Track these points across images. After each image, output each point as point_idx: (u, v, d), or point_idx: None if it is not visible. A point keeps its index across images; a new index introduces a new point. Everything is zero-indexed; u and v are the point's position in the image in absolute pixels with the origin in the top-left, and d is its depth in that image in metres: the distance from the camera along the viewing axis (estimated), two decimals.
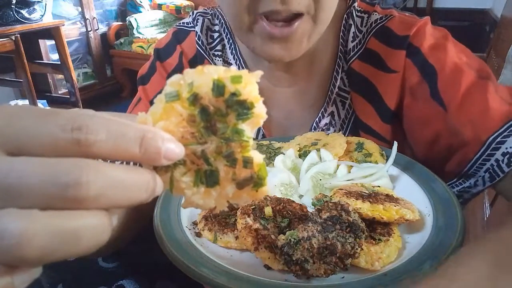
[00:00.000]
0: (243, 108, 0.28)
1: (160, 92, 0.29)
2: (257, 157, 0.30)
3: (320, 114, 0.78)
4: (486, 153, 0.62)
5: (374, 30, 0.74)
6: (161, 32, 4.04)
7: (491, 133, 0.61)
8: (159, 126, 0.28)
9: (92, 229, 0.24)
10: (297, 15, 0.58)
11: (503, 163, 0.61)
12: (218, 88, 0.28)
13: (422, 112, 0.70)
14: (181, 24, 0.85)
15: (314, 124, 0.78)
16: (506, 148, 0.60)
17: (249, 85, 0.28)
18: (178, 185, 0.29)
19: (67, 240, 0.23)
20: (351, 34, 0.75)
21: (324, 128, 0.79)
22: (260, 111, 0.29)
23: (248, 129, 0.29)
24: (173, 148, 0.27)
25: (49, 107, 0.33)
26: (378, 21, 0.74)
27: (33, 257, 0.22)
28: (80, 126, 0.24)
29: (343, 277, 0.44)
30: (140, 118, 0.28)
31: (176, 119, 0.29)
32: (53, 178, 0.23)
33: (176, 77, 0.29)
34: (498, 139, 0.61)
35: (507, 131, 0.61)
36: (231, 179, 0.30)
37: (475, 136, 0.63)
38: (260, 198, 0.31)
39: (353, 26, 0.75)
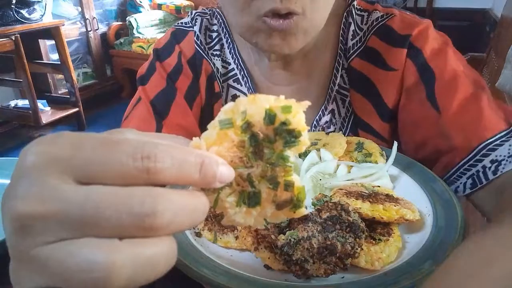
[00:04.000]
0: (291, 137, 0.30)
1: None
2: (298, 181, 0.32)
3: (320, 112, 0.78)
4: (474, 159, 0.63)
5: (375, 28, 0.74)
6: (161, 32, 4.04)
7: (482, 141, 0.62)
8: (213, 151, 0.30)
9: (166, 254, 0.25)
10: (293, 13, 0.59)
11: (489, 170, 0.61)
12: (270, 117, 0.30)
13: (415, 113, 0.70)
14: (180, 24, 0.85)
15: (315, 122, 0.78)
16: (496, 156, 0.61)
17: (298, 114, 0.30)
18: (222, 204, 0.31)
19: (148, 268, 0.24)
20: (350, 32, 0.75)
21: (324, 126, 0.79)
22: (305, 139, 0.31)
23: (292, 155, 0.31)
24: (226, 172, 0.28)
25: (106, 134, 0.33)
26: (379, 20, 0.74)
27: (120, 286, 0.23)
28: (149, 155, 0.25)
29: (343, 277, 0.44)
30: (194, 143, 0.30)
31: (227, 144, 0.30)
32: (129, 208, 0.23)
33: (229, 105, 0.30)
34: (490, 147, 0.61)
35: (499, 141, 0.61)
36: (271, 201, 0.32)
37: (465, 142, 0.63)
38: (297, 217, 0.33)
39: (352, 24, 0.75)
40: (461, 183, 0.65)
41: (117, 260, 0.23)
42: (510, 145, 0.60)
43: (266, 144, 0.30)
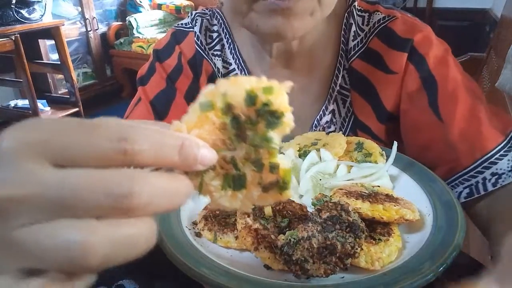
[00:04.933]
0: (273, 117, 0.30)
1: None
2: (283, 163, 0.31)
3: (321, 112, 0.78)
4: (475, 171, 0.65)
5: (377, 30, 0.74)
6: (161, 32, 4.04)
7: (484, 153, 0.64)
8: (194, 134, 0.29)
9: (145, 234, 0.25)
10: None
11: (489, 182, 0.64)
12: (251, 98, 0.29)
13: (417, 118, 0.71)
14: (180, 25, 0.85)
15: (315, 122, 0.78)
16: (497, 169, 0.63)
17: (280, 95, 0.30)
18: (206, 188, 0.30)
19: (125, 246, 0.25)
20: (351, 33, 0.75)
21: (325, 126, 0.79)
22: (288, 120, 0.31)
23: (276, 137, 0.31)
24: (207, 154, 0.28)
25: (92, 119, 0.32)
26: (381, 21, 0.74)
27: (96, 265, 0.23)
28: (126, 136, 0.25)
29: (343, 277, 0.44)
30: (175, 126, 0.30)
31: (209, 127, 0.30)
32: (106, 189, 0.23)
33: (210, 87, 0.30)
34: (491, 160, 0.64)
35: (498, 154, 0.64)
36: (257, 183, 0.31)
37: (469, 153, 0.65)
38: (284, 200, 0.33)
39: (354, 25, 0.75)
40: (456, 191, 0.67)
41: (93, 238, 0.23)
42: (509, 160, 0.63)
43: (248, 126, 0.30)
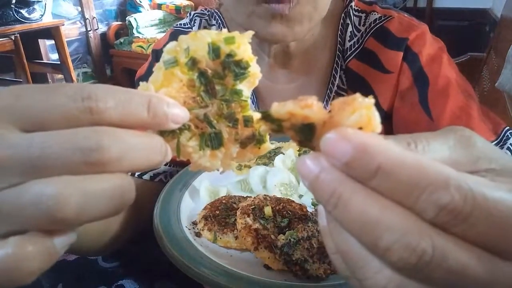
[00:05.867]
0: (239, 68, 0.30)
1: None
2: (257, 115, 0.30)
3: None
4: None
5: (373, 30, 0.74)
6: (160, 32, 4.04)
7: None
8: (162, 93, 0.29)
9: (120, 188, 0.25)
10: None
11: None
12: (214, 50, 0.29)
13: (407, 115, 0.71)
14: (179, 26, 0.85)
15: None
16: None
17: (243, 45, 0.29)
18: (184, 150, 0.30)
19: (100, 200, 0.25)
20: (348, 33, 0.75)
21: None
22: (255, 70, 0.30)
23: (246, 89, 0.31)
24: (178, 112, 0.28)
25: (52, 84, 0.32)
26: (377, 21, 0.74)
27: (71, 216, 0.23)
28: (89, 95, 0.24)
29: None
30: (141, 87, 0.29)
31: (176, 85, 0.29)
32: (75, 145, 0.24)
33: (172, 44, 0.29)
34: None
35: None
36: (234, 140, 0.31)
37: None
38: (263, 153, 0.32)
39: (350, 25, 0.75)
40: None
41: (65, 191, 0.23)
42: None
43: (216, 80, 0.30)
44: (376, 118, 0.23)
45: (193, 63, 0.29)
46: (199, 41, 0.29)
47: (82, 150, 0.23)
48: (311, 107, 0.24)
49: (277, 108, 0.26)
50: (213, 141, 0.30)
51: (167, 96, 0.28)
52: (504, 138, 0.65)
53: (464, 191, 0.20)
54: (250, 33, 0.29)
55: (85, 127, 0.24)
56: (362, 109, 0.23)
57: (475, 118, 0.65)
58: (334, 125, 0.23)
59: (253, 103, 0.80)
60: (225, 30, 0.29)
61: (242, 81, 0.30)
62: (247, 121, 0.30)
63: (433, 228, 0.21)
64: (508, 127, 0.66)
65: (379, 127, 0.23)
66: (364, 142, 0.21)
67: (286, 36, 0.61)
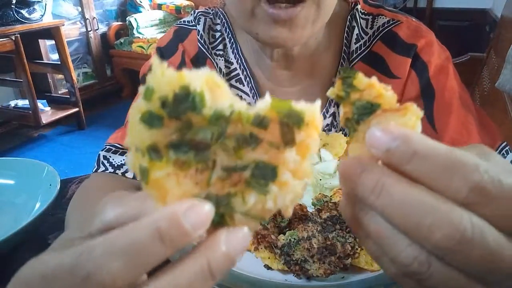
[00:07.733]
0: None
1: None
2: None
3: (322, 115, 0.78)
4: None
5: (382, 34, 0.74)
6: (161, 32, 4.04)
7: None
8: (172, 186, 0.22)
9: None
10: (300, 0, 0.57)
11: None
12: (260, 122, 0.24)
13: None
14: (182, 23, 0.85)
15: None
16: None
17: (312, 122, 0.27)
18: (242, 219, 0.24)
19: None
20: (354, 36, 0.75)
21: (325, 129, 0.79)
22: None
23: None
24: (195, 217, 0.21)
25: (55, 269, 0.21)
26: (386, 25, 0.74)
27: None
28: (88, 274, 0.21)
29: (343, 277, 0.44)
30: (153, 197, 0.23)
31: (185, 172, 0.23)
32: None
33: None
34: None
35: None
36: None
37: None
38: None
39: (356, 27, 0.75)
40: None
41: None
42: None
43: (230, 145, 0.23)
44: (419, 127, 0.26)
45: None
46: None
47: None
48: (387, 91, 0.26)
49: (362, 76, 0.27)
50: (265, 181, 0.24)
51: (179, 192, 0.22)
52: (500, 155, 0.66)
53: (492, 173, 0.22)
54: (318, 103, 0.25)
55: None
56: (413, 116, 0.25)
57: (475, 135, 0.66)
58: (386, 118, 0.26)
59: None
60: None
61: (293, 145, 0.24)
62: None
63: (467, 209, 0.22)
64: (505, 143, 0.67)
65: None
66: (403, 131, 0.24)
67: (287, 40, 0.60)
